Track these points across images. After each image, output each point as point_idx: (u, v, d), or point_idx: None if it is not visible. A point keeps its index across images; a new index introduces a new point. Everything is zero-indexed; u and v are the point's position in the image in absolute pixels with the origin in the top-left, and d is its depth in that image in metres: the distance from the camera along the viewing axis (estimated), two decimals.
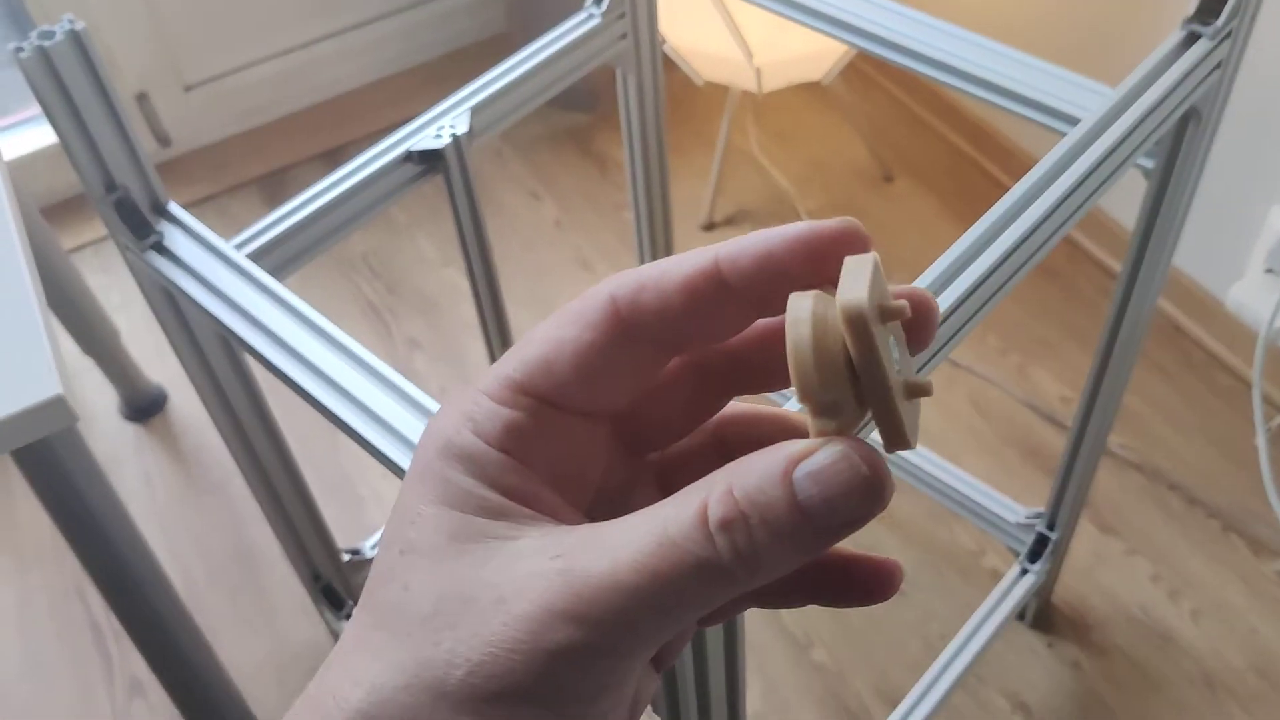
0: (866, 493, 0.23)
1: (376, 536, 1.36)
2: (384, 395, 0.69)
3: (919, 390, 0.24)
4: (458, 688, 0.23)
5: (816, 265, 0.25)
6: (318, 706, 0.25)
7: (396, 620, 0.24)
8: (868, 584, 0.27)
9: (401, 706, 0.23)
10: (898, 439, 0.24)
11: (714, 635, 0.58)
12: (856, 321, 0.23)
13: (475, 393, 0.26)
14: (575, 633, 0.23)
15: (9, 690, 1.37)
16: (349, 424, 0.68)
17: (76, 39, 0.71)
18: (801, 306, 0.24)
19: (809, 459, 0.23)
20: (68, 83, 0.72)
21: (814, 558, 0.24)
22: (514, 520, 0.25)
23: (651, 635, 0.24)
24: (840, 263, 0.24)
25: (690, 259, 0.26)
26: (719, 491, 0.23)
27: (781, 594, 0.28)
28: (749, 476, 0.23)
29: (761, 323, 0.27)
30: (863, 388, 0.23)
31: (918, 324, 0.26)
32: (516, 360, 0.26)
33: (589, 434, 0.27)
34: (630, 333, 0.26)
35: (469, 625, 0.23)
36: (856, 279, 0.23)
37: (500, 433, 0.26)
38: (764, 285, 0.25)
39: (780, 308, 0.25)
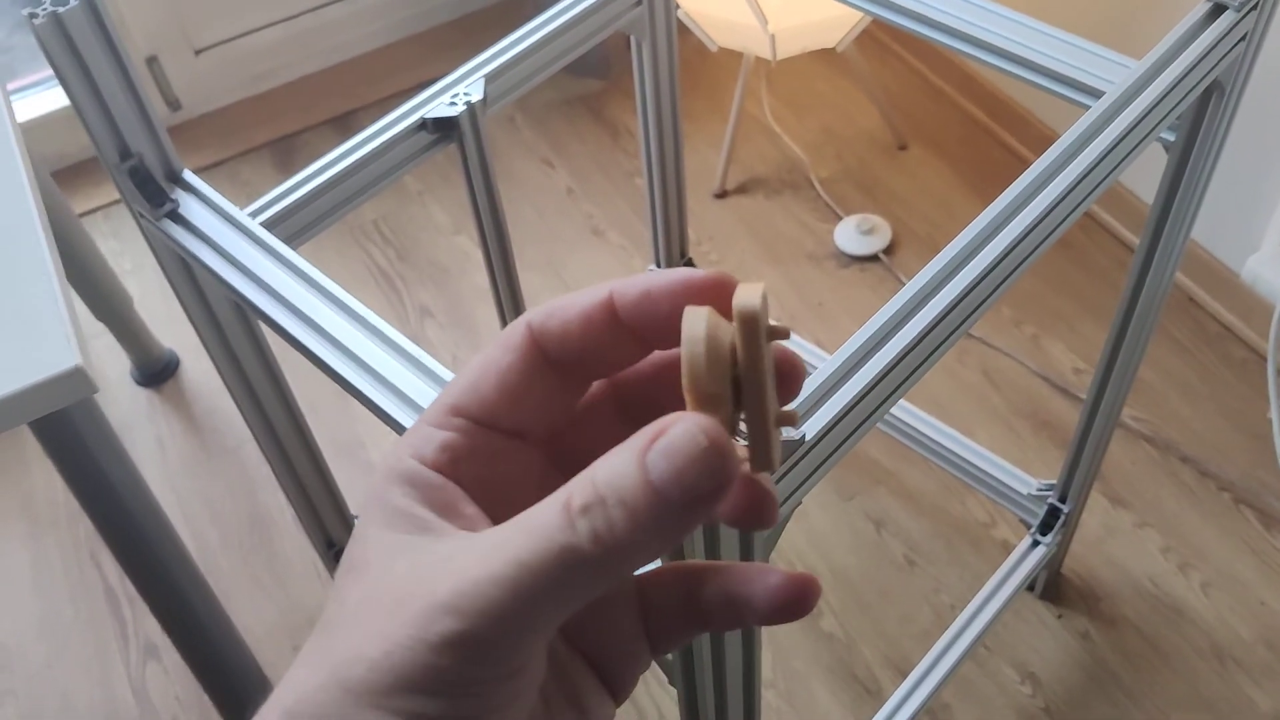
0: (706, 463, 0.24)
1: None
2: (398, 363, 0.69)
3: (786, 419, 0.26)
4: (360, 683, 0.25)
5: (694, 303, 0.27)
6: (264, 714, 0.26)
7: (328, 629, 0.26)
8: (778, 599, 0.28)
9: (317, 704, 0.25)
10: (764, 452, 0.25)
11: None
12: (749, 320, 0.24)
13: (418, 423, 0.29)
14: (454, 623, 0.24)
15: (26, 654, 1.38)
16: (364, 392, 0.68)
17: (90, 4, 0.70)
18: (697, 311, 0.25)
19: (662, 437, 0.24)
20: (81, 48, 0.71)
21: (671, 544, 0.25)
22: (437, 534, 0.27)
23: (526, 625, 0.25)
24: (713, 304, 0.26)
25: (591, 291, 0.28)
26: (581, 481, 0.25)
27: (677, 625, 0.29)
28: (608, 461, 0.25)
29: (663, 356, 0.29)
30: (743, 389, 0.24)
31: (786, 378, 0.28)
32: (451, 387, 0.28)
33: (520, 456, 0.29)
34: (544, 355, 0.28)
35: (373, 624, 0.25)
36: (751, 295, 0.25)
37: (435, 452, 0.28)
38: (646, 319, 0.28)
39: (663, 343, 0.27)
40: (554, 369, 0.28)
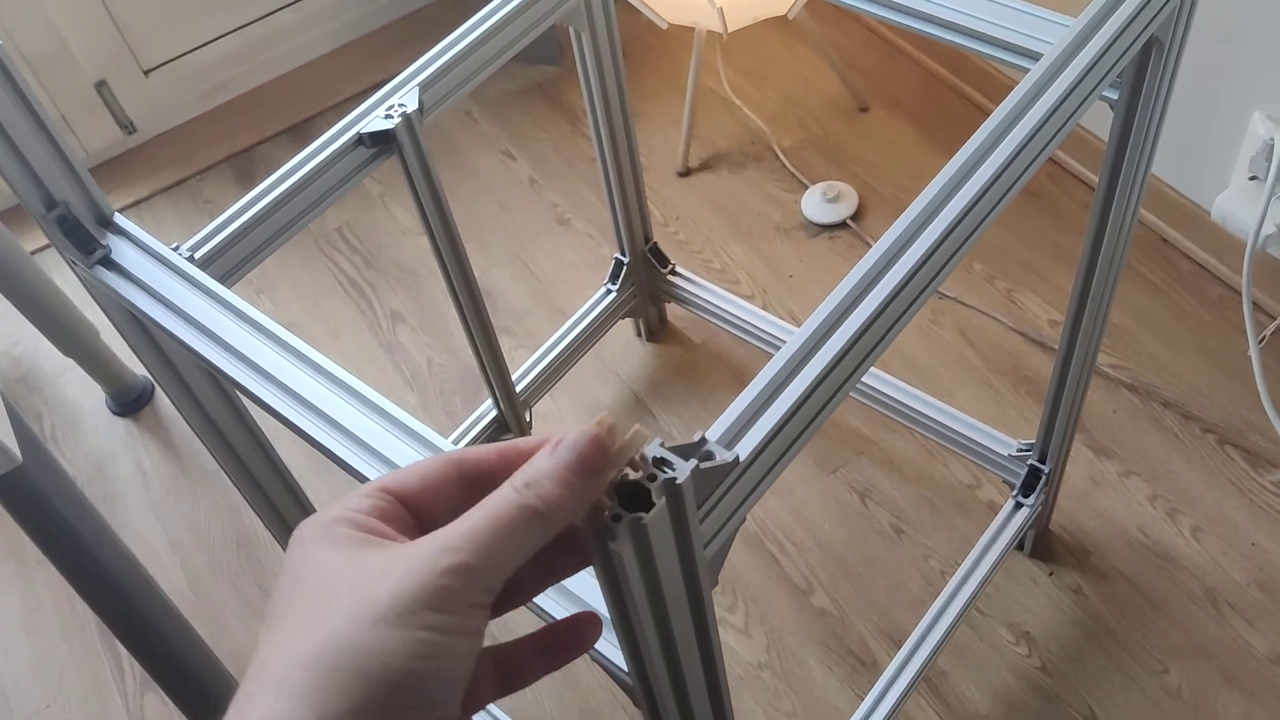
0: (595, 444, 0.37)
1: None
2: (345, 402, 0.68)
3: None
4: (384, 612, 0.34)
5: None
6: (261, 684, 0.34)
7: (320, 601, 0.35)
8: (577, 635, 0.44)
9: (350, 638, 0.34)
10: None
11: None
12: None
13: (356, 494, 0.39)
14: (454, 557, 0.35)
15: (23, 696, 1.38)
16: (309, 433, 0.67)
17: None
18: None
19: (565, 439, 0.38)
20: None
21: (585, 503, 0.38)
22: (382, 543, 0.37)
23: (502, 562, 0.36)
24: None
25: (495, 448, 0.41)
26: (517, 472, 0.38)
27: (520, 673, 0.43)
28: (533, 461, 0.38)
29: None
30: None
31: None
32: (387, 477, 0.40)
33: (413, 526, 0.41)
34: (462, 476, 0.40)
35: (382, 578, 0.35)
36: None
37: (369, 510, 0.39)
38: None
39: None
40: (461, 485, 0.40)
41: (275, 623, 0.36)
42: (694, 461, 0.44)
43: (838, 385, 0.57)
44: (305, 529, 0.39)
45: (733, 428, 0.50)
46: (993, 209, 0.67)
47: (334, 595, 0.35)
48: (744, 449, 0.49)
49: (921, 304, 0.64)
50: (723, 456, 0.47)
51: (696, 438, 0.47)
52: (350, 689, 0.33)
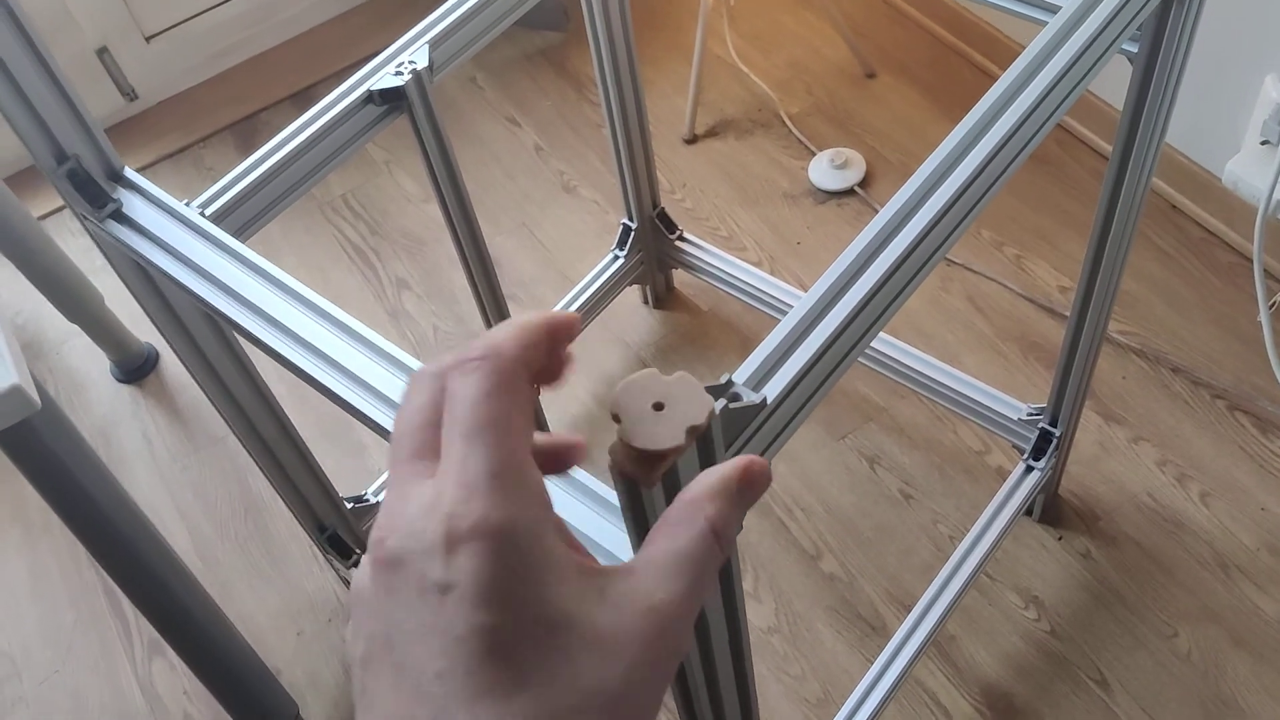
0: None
1: (379, 482, 1.36)
2: (359, 352, 0.68)
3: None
4: (628, 706, 0.30)
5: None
6: None
7: (568, 653, 0.30)
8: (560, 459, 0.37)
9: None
10: None
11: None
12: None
13: (538, 489, 0.31)
14: (674, 656, 0.32)
15: (32, 661, 1.38)
16: (322, 382, 0.66)
17: (6, 9, 0.68)
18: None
19: (745, 480, 0.34)
20: (3, 55, 0.69)
21: None
22: (596, 574, 0.32)
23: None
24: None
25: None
26: (713, 515, 0.33)
27: None
28: (719, 503, 0.33)
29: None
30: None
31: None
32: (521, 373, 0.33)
33: None
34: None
35: (623, 655, 0.30)
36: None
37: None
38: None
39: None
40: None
41: (528, 632, 0.30)
42: (722, 401, 0.44)
43: (863, 330, 0.57)
44: (540, 507, 0.32)
45: (759, 370, 0.50)
46: (1022, 148, 0.66)
47: (591, 657, 0.31)
48: (771, 391, 0.49)
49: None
50: (750, 398, 0.47)
51: (723, 380, 0.47)
52: None
